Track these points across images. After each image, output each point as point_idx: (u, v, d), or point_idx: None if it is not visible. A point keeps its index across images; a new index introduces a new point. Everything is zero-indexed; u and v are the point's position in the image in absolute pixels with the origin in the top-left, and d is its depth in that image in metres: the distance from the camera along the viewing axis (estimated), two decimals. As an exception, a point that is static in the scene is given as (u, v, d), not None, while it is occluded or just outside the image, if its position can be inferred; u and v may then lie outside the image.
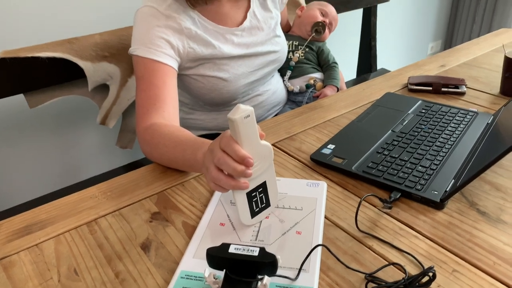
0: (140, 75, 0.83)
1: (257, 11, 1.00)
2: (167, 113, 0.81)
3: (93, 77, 1.10)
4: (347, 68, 1.97)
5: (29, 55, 1.00)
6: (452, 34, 2.73)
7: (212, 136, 1.08)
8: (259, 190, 0.59)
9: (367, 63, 1.91)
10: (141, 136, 0.79)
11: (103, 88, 1.17)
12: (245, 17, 0.97)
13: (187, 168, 0.71)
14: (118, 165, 1.31)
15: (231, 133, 0.55)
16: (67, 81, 1.10)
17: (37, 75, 1.03)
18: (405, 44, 2.52)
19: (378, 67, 1.98)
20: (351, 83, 1.80)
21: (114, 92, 1.16)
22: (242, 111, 0.52)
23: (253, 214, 0.60)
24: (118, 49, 1.12)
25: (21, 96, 1.05)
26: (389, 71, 1.95)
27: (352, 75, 1.99)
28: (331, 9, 1.23)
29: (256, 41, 0.99)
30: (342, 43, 2.07)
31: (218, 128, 1.08)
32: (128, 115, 1.26)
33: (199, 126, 1.08)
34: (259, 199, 0.60)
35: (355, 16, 1.88)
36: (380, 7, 1.86)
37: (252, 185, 0.57)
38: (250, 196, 0.59)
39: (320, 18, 1.18)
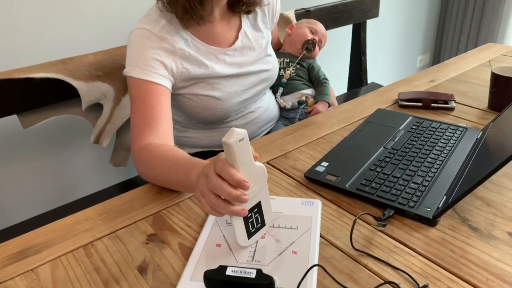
0: (134, 96, 0.84)
1: (248, 32, 1.01)
2: (162, 132, 0.82)
3: (86, 97, 1.11)
4: (338, 82, 2.01)
5: (23, 76, 1.01)
6: (440, 47, 2.78)
7: (206, 154, 1.09)
8: (254, 211, 0.60)
9: (357, 78, 1.93)
10: (136, 156, 0.80)
11: (97, 107, 1.17)
12: (236, 37, 0.99)
13: (181, 188, 0.72)
14: (112, 183, 1.31)
15: (225, 156, 0.55)
16: (60, 101, 1.10)
17: (30, 96, 1.04)
18: (394, 57, 2.56)
19: (369, 81, 2.00)
20: (343, 97, 1.82)
21: (108, 111, 1.17)
22: (237, 135, 0.53)
23: (250, 235, 0.60)
24: (111, 69, 1.13)
25: (14, 116, 1.05)
26: (379, 85, 1.99)
27: (343, 89, 2.01)
28: (320, 27, 1.26)
29: (248, 61, 1.01)
30: (333, 58, 2.10)
31: (212, 146, 1.09)
32: (121, 133, 1.26)
33: (193, 144, 1.09)
34: (254, 220, 0.61)
35: (345, 32, 1.91)
36: (370, 22, 1.89)
37: (247, 207, 0.58)
38: (246, 217, 0.59)
39: (310, 36, 1.21)
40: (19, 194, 1.39)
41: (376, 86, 1.96)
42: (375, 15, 1.84)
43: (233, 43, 0.98)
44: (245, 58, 1.00)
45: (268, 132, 1.17)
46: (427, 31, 2.69)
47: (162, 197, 0.74)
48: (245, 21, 1.02)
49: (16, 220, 1.15)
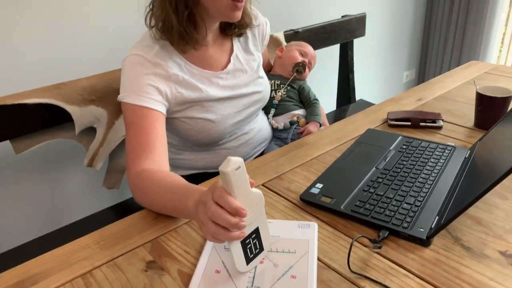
0: (130, 122, 0.85)
1: (239, 55, 1.04)
2: (157, 158, 0.83)
3: (80, 121, 1.11)
4: (327, 100, 2.03)
5: (16, 102, 1.01)
6: (425, 63, 2.85)
7: (200, 176, 1.10)
8: (252, 237, 0.61)
9: (346, 95, 1.97)
10: (132, 182, 0.80)
11: (90, 130, 1.17)
12: (229, 61, 1.01)
13: (178, 215, 0.72)
14: (105, 206, 1.30)
15: (223, 184, 0.56)
16: (54, 125, 1.11)
17: (24, 122, 1.04)
18: (381, 74, 2.62)
19: (357, 98, 2.04)
20: (332, 115, 1.85)
21: (101, 134, 1.17)
22: (233, 163, 0.54)
23: (248, 260, 0.61)
24: (104, 93, 1.14)
25: (6, 142, 1.05)
26: (367, 102, 2.02)
27: (332, 107, 2.04)
28: (309, 49, 1.29)
29: (240, 83, 1.03)
30: (322, 77, 2.14)
31: (206, 167, 1.10)
32: (114, 156, 1.26)
33: (187, 166, 1.09)
34: (253, 245, 0.61)
35: (333, 51, 1.95)
36: (356, 41, 1.93)
37: (245, 232, 0.59)
38: (244, 243, 0.60)
39: (300, 59, 1.23)
40: (12, 218, 1.37)
41: (364, 103, 2.00)
42: (362, 34, 1.89)
43: (226, 66, 1.00)
44: (238, 81, 1.02)
45: (262, 153, 1.18)
46: (412, 48, 2.76)
47: (159, 223, 0.75)
48: (237, 44, 1.04)
49: (10, 245, 1.13)
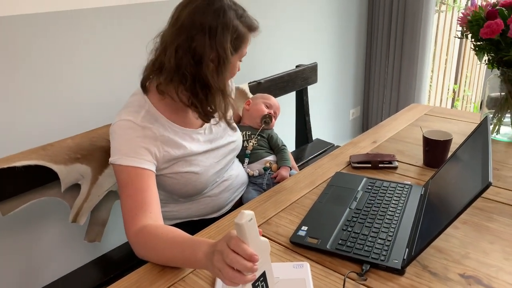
0: (124, 182, 0.92)
1: None
2: (154, 214, 0.90)
3: (66, 179, 1.15)
4: (286, 141, 2.17)
5: (5, 166, 1.04)
6: (368, 101, 3.13)
7: (185, 225, 1.17)
8: (260, 280, 0.70)
9: (304, 136, 2.14)
10: (134, 239, 0.86)
11: (74, 187, 1.21)
12: None
13: (187, 266, 0.80)
14: (87, 260, 1.31)
15: (237, 234, 0.66)
16: (40, 185, 1.13)
17: (12, 184, 1.06)
18: (331, 113, 2.84)
19: (313, 137, 2.21)
20: (293, 154, 1.99)
21: (85, 190, 1.21)
22: (246, 216, 0.64)
23: (257, 301, 0.70)
24: (89, 150, 1.19)
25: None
26: (323, 140, 2.20)
27: (292, 147, 2.20)
28: (273, 100, 1.43)
29: (217, 136, 1.14)
30: (281, 120, 2.30)
31: (190, 217, 1.17)
32: (96, 210, 1.30)
33: (173, 217, 1.16)
34: (261, 287, 0.70)
35: (290, 97, 2.12)
36: (310, 87, 2.12)
37: (256, 275, 0.68)
38: (254, 285, 0.69)
39: (266, 111, 1.37)
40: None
41: (320, 141, 2.17)
42: (314, 81, 2.08)
43: (203, 123, 1.11)
44: (214, 134, 1.13)
45: (240, 197, 1.28)
46: (356, 88, 3.03)
47: (166, 274, 0.81)
48: None
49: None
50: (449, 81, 3.74)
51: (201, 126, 1.11)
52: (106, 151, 1.23)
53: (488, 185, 0.67)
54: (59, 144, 1.14)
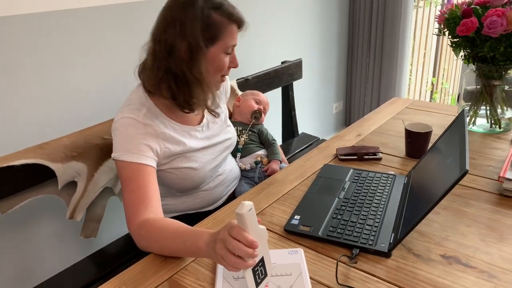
0: (127, 178, 0.96)
1: None
2: (155, 208, 0.94)
3: (63, 177, 1.18)
4: (274, 136, 2.24)
5: (5, 165, 1.06)
6: (350, 95, 3.22)
7: (181, 218, 1.22)
8: (259, 265, 0.75)
9: (290, 130, 2.19)
10: (136, 231, 0.91)
11: (70, 184, 1.24)
12: (203, 116, 1.17)
13: (189, 255, 0.84)
14: (83, 256, 1.34)
15: (238, 223, 0.71)
16: (38, 183, 1.16)
17: (11, 182, 1.09)
18: (315, 107, 2.91)
19: (299, 131, 2.28)
20: (281, 148, 2.05)
21: (81, 187, 1.24)
22: (247, 206, 0.69)
23: (257, 284, 0.75)
24: (84, 148, 1.22)
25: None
26: (308, 134, 2.26)
27: (279, 141, 2.25)
28: (262, 97, 1.48)
29: (214, 133, 1.18)
30: (268, 116, 2.35)
31: (187, 210, 1.22)
32: (91, 206, 1.33)
33: (169, 210, 1.20)
34: (260, 272, 0.76)
35: (277, 93, 2.17)
36: (295, 83, 2.18)
37: (255, 261, 0.73)
38: (254, 270, 0.74)
39: (256, 107, 1.42)
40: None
41: (306, 135, 2.23)
42: (299, 77, 2.14)
43: (201, 120, 1.15)
44: (211, 132, 1.17)
45: (234, 191, 1.33)
46: (339, 83, 3.11)
47: (169, 264, 0.86)
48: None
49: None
50: (428, 74, 3.86)
51: (199, 123, 1.15)
52: (101, 149, 1.26)
53: (465, 172, 0.74)
54: (56, 143, 1.17)
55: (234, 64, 1.08)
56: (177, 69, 0.99)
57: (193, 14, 0.97)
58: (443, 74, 4.00)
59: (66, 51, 1.42)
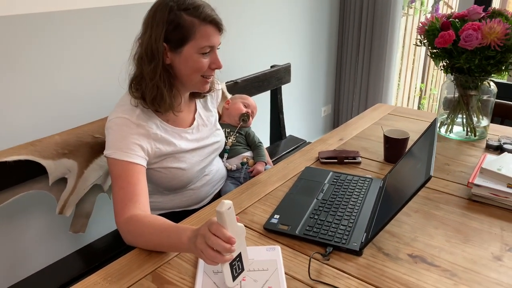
0: (117, 175, 1.00)
1: (201, 112, 1.25)
2: (142, 204, 0.99)
3: (54, 173, 1.22)
4: (261, 138, 2.29)
5: (-2, 160, 1.10)
6: (339, 99, 3.28)
7: (168, 215, 1.26)
8: (237, 260, 0.81)
9: (278, 133, 2.25)
10: (123, 226, 0.95)
11: (60, 181, 1.28)
12: (193, 118, 1.22)
13: (172, 250, 0.89)
14: (72, 250, 1.39)
15: (218, 220, 0.76)
16: (29, 179, 1.20)
17: (3, 178, 1.13)
18: (304, 111, 2.97)
19: (287, 134, 2.33)
20: (268, 150, 2.10)
21: (71, 184, 1.28)
22: (226, 205, 0.75)
23: (234, 278, 0.80)
24: (75, 146, 1.27)
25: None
26: (296, 137, 2.32)
27: (266, 143, 2.31)
28: (251, 100, 1.54)
29: (203, 136, 1.23)
30: (256, 118, 2.40)
31: (173, 208, 1.27)
32: (81, 202, 1.37)
33: (156, 207, 1.25)
34: (237, 266, 0.81)
35: (265, 96, 2.23)
36: (284, 87, 2.23)
37: (233, 256, 0.79)
38: (231, 264, 0.79)
39: (244, 110, 1.48)
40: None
41: (293, 138, 2.29)
42: (288, 81, 2.20)
43: (192, 123, 1.21)
44: (201, 134, 1.22)
45: (219, 190, 1.38)
46: (327, 87, 3.18)
47: (153, 258, 0.91)
48: (199, 104, 1.25)
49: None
50: (417, 80, 3.95)
51: (190, 126, 1.20)
52: (91, 147, 1.31)
53: (429, 178, 0.80)
54: (47, 140, 1.21)
55: (215, 65, 1.10)
56: (142, 71, 1.06)
57: (162, 17, 1.03)
58: (432, 80, 4.09)
59: (58, 51, 1.46)
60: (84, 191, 1.32)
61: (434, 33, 1.39)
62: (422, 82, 4.04)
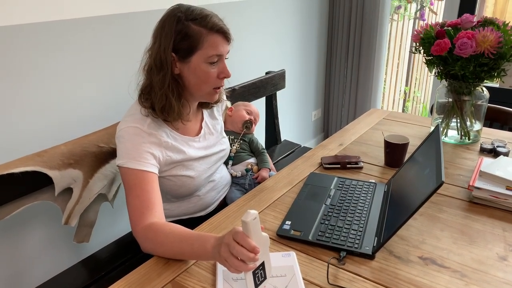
0: (132, 184, 1.01)
1: (208, 121, 1.26)
2: (158, 212, 1.00)
3: (60, 183, 1.22)
4: (257, 142, 2.32)
5: (5, 172, 1.09)
6: (328, 103, 3.34)
7: (174, 222, 1.27)
8: (260, 268, 0.82)
9: (273, 138, 2.28)
10: (142, 235, 0.96)
11: (66, 191, 1.27)
12: (201, 127, 1.23)
13: (194, 258, 0.90)
14: (75, 261, 1.38)
15: (243, 230, 0.78)
16: (36, 190, 1.19)
17: (11, 189, 1.12)
18: (296, 115, 3.01)
19: (282, 138, 2.36)
20: (264, 156, 2.13)
21: (77, 194, 1.28)
22: (252, 215, 0.76)
23: (256, 286, 0.82)
24: (81, 156, 1.26)
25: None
26: (290, 141, 2.35)
27: (262, 148, 2.33)
28: (253, 107, 1.56)
29: (210, 144, 1.25)
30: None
31: (180, 215, 1.27)
32: (85, 212, 1.36)
33: (165, 215, 1.25)
34: (259, 275, 0.83)
35: (261, 102, 2.25)
36: (278, 92, 2.26)
37: (256, 264, 0.80)
38: (254, 273, 0.81)
39: (247, 117, 1.50)
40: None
41: (288, 143, 2.32)
42: (283, 86, 2.23)
43: (199, 131, 1.22)
44: (208, 142, 1.24)
45: (225, 197, 1.40)
46: (317, 92, 3.23)
47: (171, 266, 0.92)
48: (205, 112, 1.26)
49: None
50: (401, 84, 4.04)
51: (197, 135, 1.22)
52: (96, 157, 1.30)
53: (441, 183, 0.84)
54: (53, 151, 1.20)
55: (224, 74, 1.11)
56: (151, 80, 1.07)
57: (170, 27, 1.04)
58: (415, 83, 4.20)
59: (63, 60, 1.45)
60: (89, 201, 1.32)
61: (429, 41, 1.44)
62: (406, 85, 4.14)
